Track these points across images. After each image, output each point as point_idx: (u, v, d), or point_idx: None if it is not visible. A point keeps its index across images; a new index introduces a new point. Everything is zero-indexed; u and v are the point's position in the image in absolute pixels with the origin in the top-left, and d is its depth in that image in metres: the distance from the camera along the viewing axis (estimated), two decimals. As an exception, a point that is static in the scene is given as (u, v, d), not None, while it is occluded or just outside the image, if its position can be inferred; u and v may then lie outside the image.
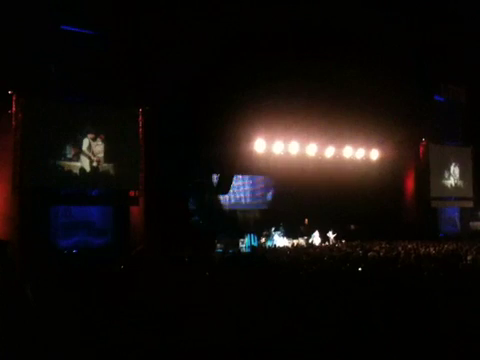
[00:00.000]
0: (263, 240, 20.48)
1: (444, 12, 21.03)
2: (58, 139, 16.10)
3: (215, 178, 20.66)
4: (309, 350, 5.02)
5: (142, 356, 5.18)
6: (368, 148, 23.21)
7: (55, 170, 15.98)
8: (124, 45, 16.89)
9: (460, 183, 25.95)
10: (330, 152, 22.20)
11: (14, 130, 15.24)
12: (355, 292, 6.85)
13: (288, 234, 20.94)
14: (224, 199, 21.82)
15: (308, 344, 5.11)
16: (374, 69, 19.51)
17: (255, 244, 19.58)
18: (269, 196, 23.21)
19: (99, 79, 16.40)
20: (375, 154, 23.43)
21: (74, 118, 16.40)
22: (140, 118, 17.35)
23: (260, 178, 23.08)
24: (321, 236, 21.04)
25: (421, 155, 24.83)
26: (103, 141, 16.81)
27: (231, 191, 21.66)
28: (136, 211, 17.45)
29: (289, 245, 19.72)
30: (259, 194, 23.21)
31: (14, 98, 15.24)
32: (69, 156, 16.27)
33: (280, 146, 20.91)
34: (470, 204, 26.26)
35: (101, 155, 16.77)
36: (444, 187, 25.45)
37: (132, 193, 17.43)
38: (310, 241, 20.79)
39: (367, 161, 23.30)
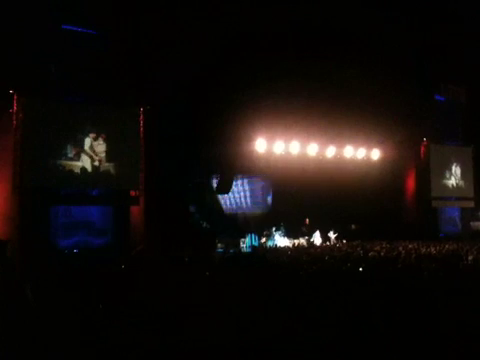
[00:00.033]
0: (264, 240, 20.46)
1: (444, 12, 20.99)
2: (58, 139, 16.12)
3: (215, 178, 20.66)
4: (309, 350, 5.02)
5: (142, 356, 5.18)
6: (369, 148, 23.18)
7: (55, 170, 15.99)
8: (124, 45, 16.92)
9: (461, 183, 25.92)
10: (331, 152, 22.16)
11: (14, 130, 15.28)
12: (355, 292, 6.84)
13: (289, 234, 20.91)
14: (224, 203, 21.77)
15: (308, 344, 5.11)
16: (374, 69, 19.49)
17: (256, 244, 19.57)
18: (269, 200, 23.12)
19: (99, 79, 16.43)
20: (376, 154, 23.38)
21: (74, 118, 16.43)
22: (140, 118, 17.37)
23: (260, 183, 22.98)
24: (322, 236, 21.03)
25: (422, 155, 24.80)
26: (105, 141, 16.85)
27: (231, 196, 21.64)
28: (136, 211, 17.46)
29: (290, 245, 19.71)
30: (260, 199, 23.11)
31: (15, 98, 15.28)
32: (70, 156, 16.30)
33: (280, 146, 20.87)
34: (471, 204, 26.21)
35: (103, 155, 16.82)
36: (445, 187, 25.42)
37: (132, 193, 17.44)
38: (311, 241, 20.80)
39: (368, 161, 23.25)
